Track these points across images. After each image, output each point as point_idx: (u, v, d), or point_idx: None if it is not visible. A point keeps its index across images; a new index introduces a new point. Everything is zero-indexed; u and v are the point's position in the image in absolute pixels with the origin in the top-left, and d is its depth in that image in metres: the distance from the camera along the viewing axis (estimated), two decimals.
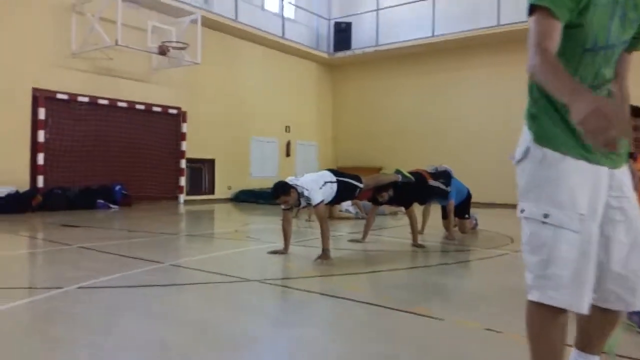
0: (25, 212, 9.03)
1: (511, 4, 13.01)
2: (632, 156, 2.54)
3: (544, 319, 1.56)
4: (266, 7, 15.29)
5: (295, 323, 3.05)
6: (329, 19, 16.94)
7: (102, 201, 10.44)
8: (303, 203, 5.14)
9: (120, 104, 11.38)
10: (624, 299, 1.60)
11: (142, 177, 11.87)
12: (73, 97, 10.62)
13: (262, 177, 14.74)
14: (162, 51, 11.20)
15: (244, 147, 14.56)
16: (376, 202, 6.22)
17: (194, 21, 11.62)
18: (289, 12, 16.02)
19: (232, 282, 4.05)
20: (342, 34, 16.32)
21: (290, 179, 5.14)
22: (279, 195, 4.99)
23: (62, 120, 10.53)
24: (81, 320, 2.94)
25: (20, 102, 9.92)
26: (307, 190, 4.95)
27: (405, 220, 7.77)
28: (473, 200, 7.38)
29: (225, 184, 13.95)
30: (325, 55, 16.53)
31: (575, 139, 1.52)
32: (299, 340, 2.73)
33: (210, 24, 12.74)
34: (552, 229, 1.51)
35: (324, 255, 4.82)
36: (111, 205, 10.48)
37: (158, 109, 12.15)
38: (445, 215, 7.12)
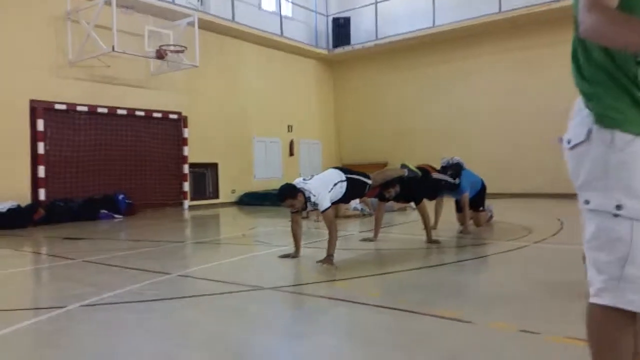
0: (27, 227, 8.86)
1: None
2: None
3: (616, 326, 1.36)
4: (263, 6, 15.07)
5: (312, 332, 2.85)
6: (327, 15, 16.71)
7: (105, 211, 10.26)
8: (310, 207, 4.95)
9: (119, 111, 11.19)
10: None
11: (145, 184, 11.69)
12: (72, 106, 10.44)
13: (267, 178, 14.55)
14: (160, 55, 10.99)
15: (246, 148, 14.36)
16: (383, 198, 6.05)
17: (191, 23, 11.42)
18: (287, 10, 15.81)
19: (243, 290, 3.85)
20: (341, 30, 16.08)
21: (297, 182, 4.93)
22: (286, 199, 4.79)
23: (61, 130, 10.35)
24: (85, 342, 2.74)
25: (18, 115, 9.74)
26: (314, 195, 4.75)
27: (414, 215, 7.59)
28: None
29: (229, 187, 13.76)
30: (324, 51, 16.31)
31: None
32: (317, 352, 2.53)
33: (207, 26, 12.54)
34: (628, 222, 1.30)
35: (328, 260, 4.59)
36: (115, 215, 10.30)
37: (158, 115, 11.97)
38: (459, 209, 6.91)
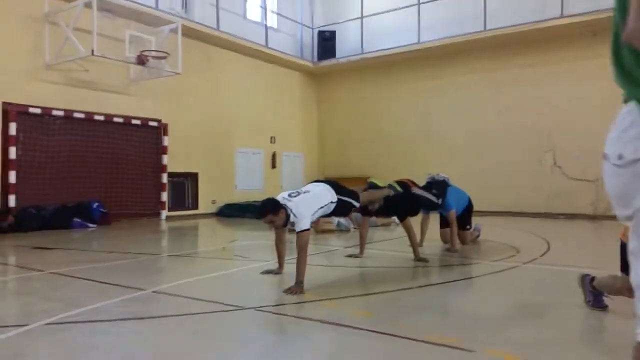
0: None
1: (497, 9, 12.88)
2: None
3: None
4: (248, 15, 14.91)
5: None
6: (313, 28, 16.62)
7: (79, 220, 9.85)
8: (289, 226, 4.63)
9: (97, 117, 10.83)
10: None
11: (121, 193, 11.30)
12: (47, 110, 10.06)
13: (248, 189, 14.28)
14: (141, 61, 10.69)
15: (228, 159, 14.07)
16: (366, 212, 5.87)
17: (174, 30, 11.17)
18: (272, 21, 15.66)
19: (222, 310, 3.58)
20: (327, 43, 15.99)
21: (281, 197, 4.56)
22: (267, 214, 4.42)
23: (35, 135, 9.94)
24: None
25: None
26: (294, 216, 4.38)
27: (399, 231, 7.40)
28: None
29: (209, 198, 13.43)
30: (309, 64, 16.18)
31: None
32: None
33: (190, 34, 12.30)
34: None
35: (297, 288, 4.12)
36: (89, 225, 9.89)
37: (137, 122, 11.63)
38: (443, 225, 6.77)
